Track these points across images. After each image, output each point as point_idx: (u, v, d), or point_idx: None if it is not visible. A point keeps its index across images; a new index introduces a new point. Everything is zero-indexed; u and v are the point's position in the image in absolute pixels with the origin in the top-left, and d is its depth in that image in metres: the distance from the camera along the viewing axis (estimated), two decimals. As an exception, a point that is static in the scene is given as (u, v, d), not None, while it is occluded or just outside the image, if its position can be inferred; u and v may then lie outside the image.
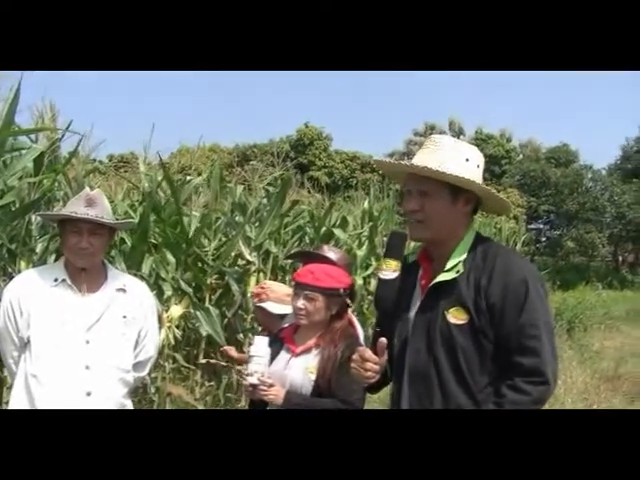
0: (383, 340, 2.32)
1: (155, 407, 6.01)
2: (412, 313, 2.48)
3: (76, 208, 3.03)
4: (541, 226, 39.71)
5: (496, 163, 41.87)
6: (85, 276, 3.12)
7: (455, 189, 2.41)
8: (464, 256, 2.42)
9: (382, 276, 2.37)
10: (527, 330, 2.27)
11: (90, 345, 3.03)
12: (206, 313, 6.54)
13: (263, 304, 4.12)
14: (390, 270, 2.35)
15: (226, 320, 7.04)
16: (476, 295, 2.33)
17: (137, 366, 3.27)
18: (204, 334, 6.60)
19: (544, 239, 39.92)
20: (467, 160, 2.44)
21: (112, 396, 3.07)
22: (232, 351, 5.16)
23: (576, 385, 8.54)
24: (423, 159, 2.42)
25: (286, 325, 3.65)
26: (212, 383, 6.92)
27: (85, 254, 3.06)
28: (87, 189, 3.23)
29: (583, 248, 35.08)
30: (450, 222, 2.45)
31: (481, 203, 2.52)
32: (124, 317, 3.17)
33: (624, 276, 32.34)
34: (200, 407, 6.30)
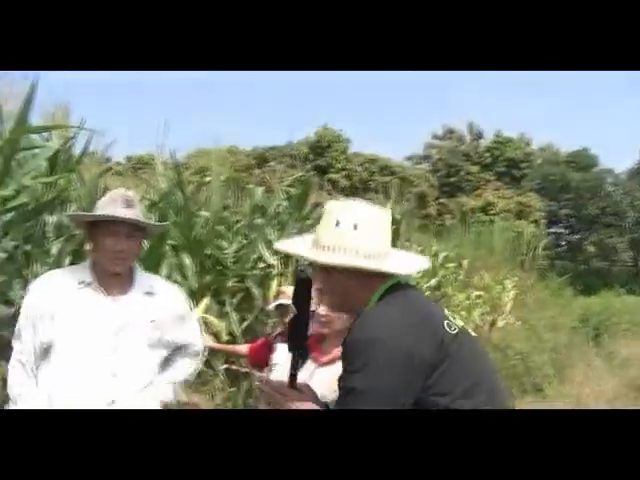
0: None
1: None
2: None
3: (114, 209, 2.85)
4: (561, 230, 39.43)
5: (516, 167, 41.66)
6: (114, 280, 2.96)
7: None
8: None
9: None
10: None
11: (117, 351, 2.87)
12: (226, 318, 6.41)
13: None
14: None
15: (245, 324, 6.86)
16: None
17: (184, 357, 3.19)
18: (224, 339, 6.45)
19: (564, 243, 39.65)
20: (337, 224, 2.11)
21: (137, 404, 2.85)
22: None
23: (605, 393, 8.31)
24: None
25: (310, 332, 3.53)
26: (233, 389, 6.71)
27: (121, 258, 2.90)
28: (122, 190, 3.03)
29: (604, 253, 34.74)
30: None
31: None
32: (152, 321, 2.99)
33: (645, 282, 31.80)
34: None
